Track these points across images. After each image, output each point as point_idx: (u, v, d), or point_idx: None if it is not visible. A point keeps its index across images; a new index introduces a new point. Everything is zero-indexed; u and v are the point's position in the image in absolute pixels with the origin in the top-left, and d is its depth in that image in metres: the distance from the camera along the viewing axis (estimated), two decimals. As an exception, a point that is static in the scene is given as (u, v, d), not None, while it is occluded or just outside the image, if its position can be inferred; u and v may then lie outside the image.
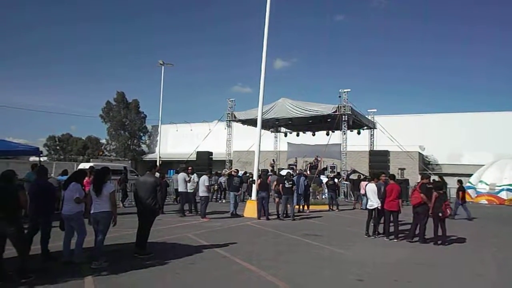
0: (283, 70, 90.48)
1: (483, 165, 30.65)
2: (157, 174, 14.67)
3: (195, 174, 13.61)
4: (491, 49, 77.70)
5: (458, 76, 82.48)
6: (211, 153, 30.23)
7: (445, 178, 31.00)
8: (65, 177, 9.79)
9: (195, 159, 30.22)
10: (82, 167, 18.14)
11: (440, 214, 8.95)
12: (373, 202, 9.64)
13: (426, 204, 9.00)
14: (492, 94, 75.76)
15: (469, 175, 30.44)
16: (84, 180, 7.31)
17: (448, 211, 9.17)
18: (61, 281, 5.32)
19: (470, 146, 38.59)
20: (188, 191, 13.22)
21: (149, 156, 51.13)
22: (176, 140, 51.22)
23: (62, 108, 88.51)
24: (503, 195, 26.83)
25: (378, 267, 6.85)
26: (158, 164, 28.08)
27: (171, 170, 31.91)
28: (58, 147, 52.11)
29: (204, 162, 28.64)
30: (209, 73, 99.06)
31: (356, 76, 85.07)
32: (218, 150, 32.77)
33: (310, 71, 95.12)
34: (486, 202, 26.82)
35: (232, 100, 28.12)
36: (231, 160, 31.43)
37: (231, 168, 24.79)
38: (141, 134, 54.87)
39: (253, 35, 76.98)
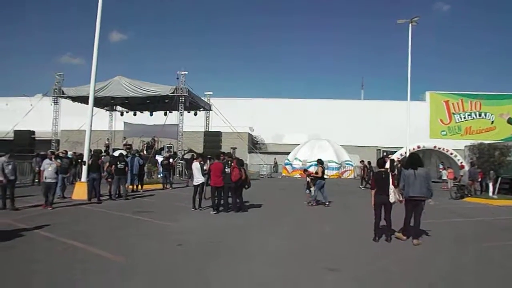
0: (120, 43, 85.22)
1: (299, 144, 36.32)
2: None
3: None
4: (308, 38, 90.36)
5: (282, 63, 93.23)
6: (33, 132, 27.01)
7: (270, 155, 35.38)
8: None
9: (12, 138, 26.52)
10: None
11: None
12: (198, 178, 10.89)
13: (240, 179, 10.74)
14: (309, 83, 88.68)
15: (288, 153, 35.73)
16: None
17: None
18: None
19: (290, 127, 44.91)
20: None
21: None
22: (-15, 117, 43.25)
23: None
24: (312, 169, 32.44)
25: (197, 233, 8.06)
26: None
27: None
28: None
29: (24, 143, 25.56)
30: (31, 39, 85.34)
31: (195, 57, 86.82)
32: (43, 129, 29.48)
33: (149, 47, 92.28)
34: (299, 176, 32.07)
35: (60, 75, 25.60)
36: (58, 140, 28.69)
37: (58, 149, 22.79)
38: None
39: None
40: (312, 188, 12.63)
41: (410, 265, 6.09)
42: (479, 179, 18.64)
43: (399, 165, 9.06)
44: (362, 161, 23.85)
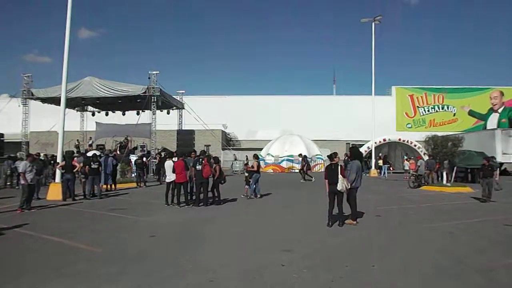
0: (90, 41, 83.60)
1: (271, 140, 37.22)
2: None
3: None
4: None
5: (256, 61, 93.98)
6: (1, 135, 26.71)
7: (243, 152, 35.99)
8: None
9: (-20, 142, 26.16)
10: None
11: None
12: (171, 176, 11.52)
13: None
14: (281, 80, 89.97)
15: (261, 149, 36.58)
16: None
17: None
18: None
19: (263, 124, 45.84)
20: None
21: None
22: None
23: None
24: (284, 164, 33.63)
25: (169, 226, 8.74)
26: None
27: None
28: None
29: (-7, 145, 25.18)
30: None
31: (167, 55, 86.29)
32: (11, 131, 29.10)
33: (120, 45, 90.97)
34: (272, 171, 33.03)
35: (28, 76, 25.40)
36: (28, 142, 28.44)
37: (29, 151, 22.71)
38: None
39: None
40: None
41: (355, 244, 7.00)
42: (436, 169, 20.10)
43: (346, 158, 10.31)
44: (300, 155, 25.44)
